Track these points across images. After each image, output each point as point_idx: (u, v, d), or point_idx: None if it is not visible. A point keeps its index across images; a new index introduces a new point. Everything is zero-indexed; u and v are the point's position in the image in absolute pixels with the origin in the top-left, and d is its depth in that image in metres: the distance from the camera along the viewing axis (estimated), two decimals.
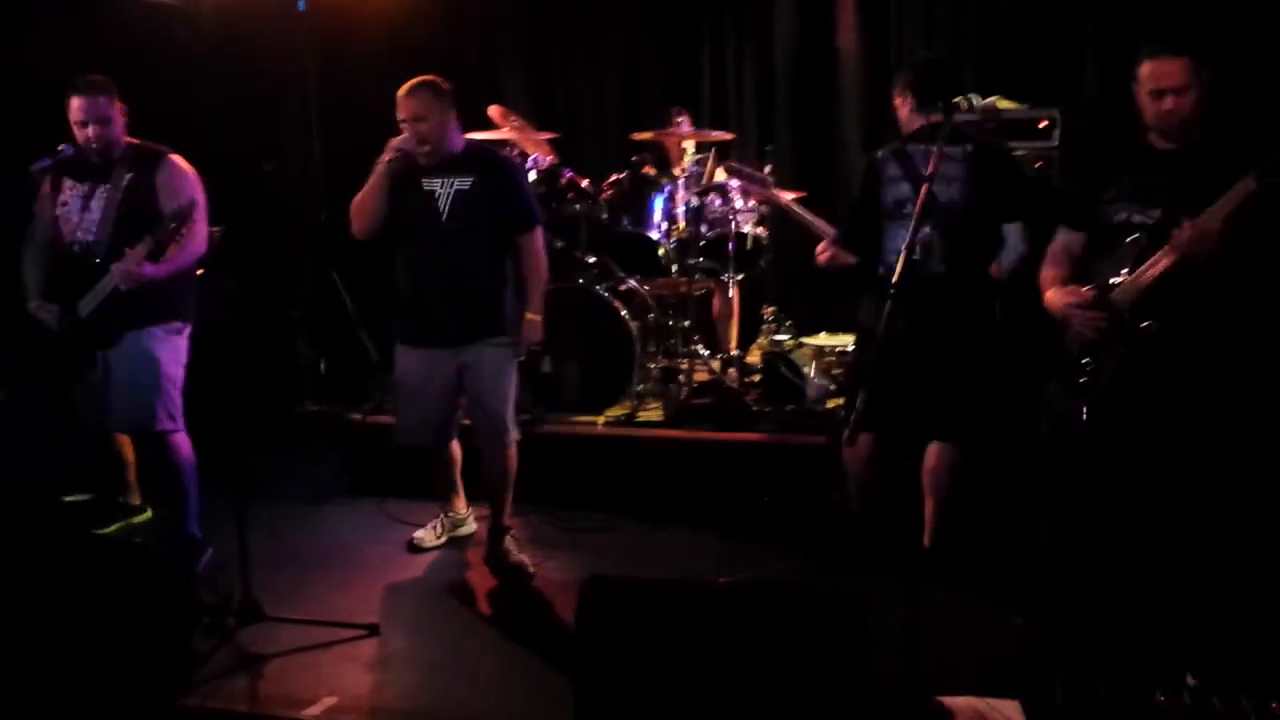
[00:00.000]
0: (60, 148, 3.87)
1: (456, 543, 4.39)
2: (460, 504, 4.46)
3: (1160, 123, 3.03)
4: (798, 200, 4.57)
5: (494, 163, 3.99)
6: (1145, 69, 3.02)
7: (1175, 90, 2.96)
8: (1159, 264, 2.93)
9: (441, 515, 4.42)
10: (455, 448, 4.31)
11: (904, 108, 3.79)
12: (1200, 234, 2.84)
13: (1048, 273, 3.28)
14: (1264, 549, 3.14)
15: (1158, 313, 2.96)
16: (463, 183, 3.85)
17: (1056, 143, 4.77)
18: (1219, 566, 3.11)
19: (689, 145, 5.99)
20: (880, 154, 3.80)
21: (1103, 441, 3.10)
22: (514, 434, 4.08)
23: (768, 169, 5.21)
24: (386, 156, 3.80)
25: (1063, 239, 3.31)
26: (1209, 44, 3.04)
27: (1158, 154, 3.08)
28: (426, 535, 4.36)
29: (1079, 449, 3.15)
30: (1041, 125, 4.83)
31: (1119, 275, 3.04)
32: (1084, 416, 3.08)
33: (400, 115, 3.79)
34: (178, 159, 3.93)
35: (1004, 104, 4.82)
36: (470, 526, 4.47)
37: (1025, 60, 5.52)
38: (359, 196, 3.87)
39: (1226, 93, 3.09)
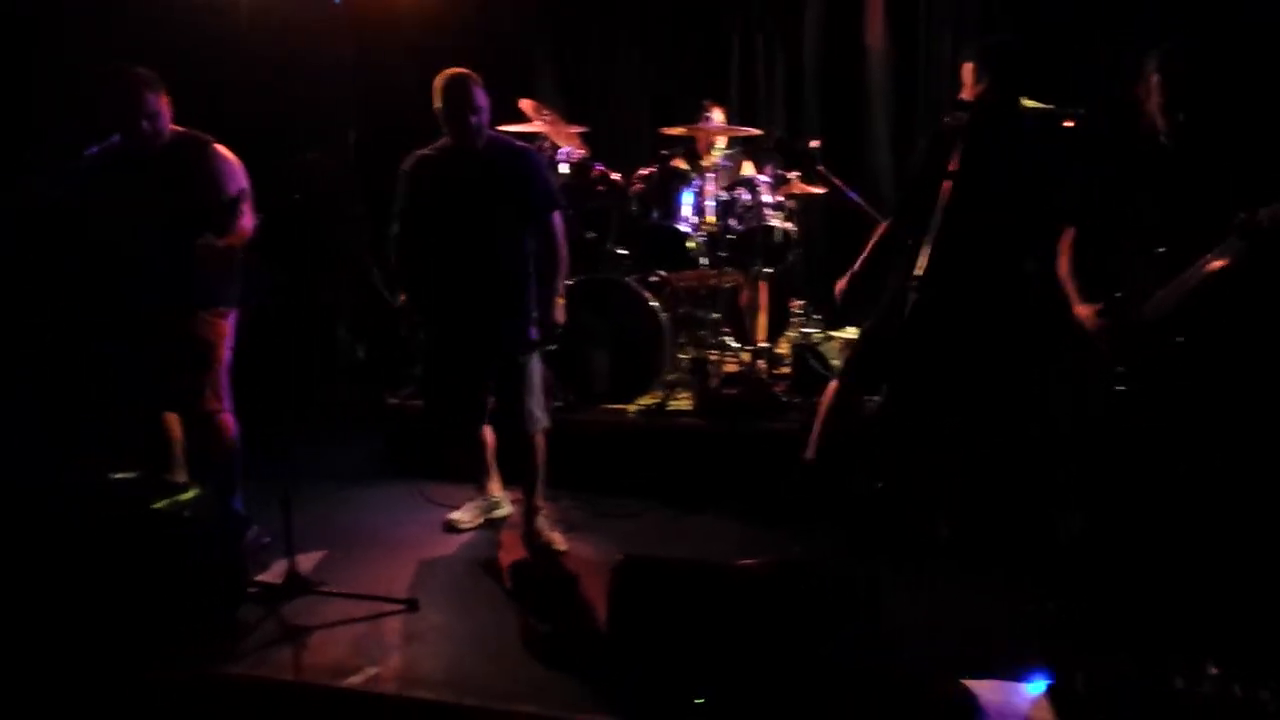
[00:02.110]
0: (112, 137, 3.97)
1: (491, 524, 4.48)
2: (495, 487, 4.54)
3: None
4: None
5: (517, 150, 4.09)
6: (1158, 79, 3.10)
7: None
8: (1209, 267, 2.93)
9: (478, 498, 4.51)
10: (488, 432, 4.39)
11: (968, 86, 3.73)
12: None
13: (1068, 277, 3.32)
14: None
15: (1199, 319, 2.99)
16: (487, 167, 3.97)
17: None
18: (1242, 556, 3.16)
19: (719, 140, 6.07)
20: (947, 124, 3.63)
21: (1140, 440, 3.16)
22: (542, 423, 4.14)
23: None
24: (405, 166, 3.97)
25: (1075, 239, 3.36)
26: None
27: (1171, 156, 3.15)
28: (462, 516, 4.44)
29: (1116, 446, 3.21)
30: (1067, 125, 4.86)
31: (1148, 283, 3.08)
32: (1123, 419, 3.14)
33: (435, 103, 3.92)
34: (221, 148, 4.01)
35: (1029, 104, 4.85)
36: (505, 509, 4.55)
37: (1053, 60, 5.56)
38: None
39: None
